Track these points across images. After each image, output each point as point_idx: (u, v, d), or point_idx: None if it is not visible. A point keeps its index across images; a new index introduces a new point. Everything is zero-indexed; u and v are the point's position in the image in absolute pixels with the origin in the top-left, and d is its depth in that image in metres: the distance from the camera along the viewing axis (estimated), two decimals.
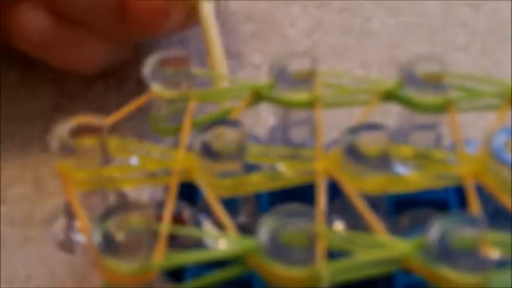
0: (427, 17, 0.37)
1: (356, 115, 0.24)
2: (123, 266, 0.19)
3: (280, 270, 0.19)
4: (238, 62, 0.35)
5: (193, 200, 0.24)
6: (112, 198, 0.24)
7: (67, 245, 0.25)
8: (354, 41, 0.36)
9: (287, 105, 0.24)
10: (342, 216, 0.23)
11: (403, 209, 0.24)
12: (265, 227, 0.19)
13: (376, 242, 0.19)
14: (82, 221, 0.21)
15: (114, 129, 0.23)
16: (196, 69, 0.25)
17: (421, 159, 0.23)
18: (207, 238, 0.23)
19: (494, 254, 0.19)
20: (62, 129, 0.22)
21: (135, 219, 0.19)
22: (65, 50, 0.30)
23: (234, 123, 0.22)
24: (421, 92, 0.24)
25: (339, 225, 0.23)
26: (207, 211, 0.23)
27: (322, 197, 0.21)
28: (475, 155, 0.22)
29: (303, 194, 0.21)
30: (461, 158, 0.22)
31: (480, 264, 0.18)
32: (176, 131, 0.24)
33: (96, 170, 0.23)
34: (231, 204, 0.22)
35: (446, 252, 0.18)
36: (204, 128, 0.22)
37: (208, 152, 0.21)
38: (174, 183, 0.22)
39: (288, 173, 0.22)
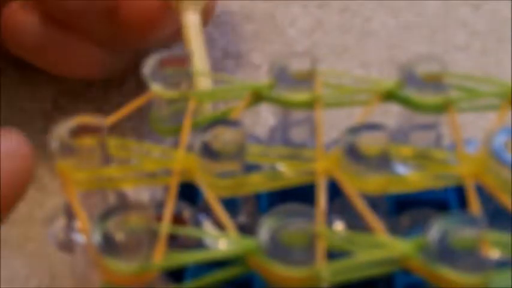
0: (427, 17, 0.37)
1: (356, 115, 0.24)
2: (123, 266, 0.19)
3: (280, 270, 0.19)
4: (238, 62, 0.35)
5: (193, 200, 0.24)
6: (112, 198, 0.24)
7: (67, 245, 0.25)
8: (354, 41, 0.36)
9: (287, 105, 0.24)
10: (342, 216, 0.23)
11: (403, 209, 0.24)
12: (265, 227, 0.19)
13: (376, 242, 0.19)
14: (82, 221, 0.21)
15: (114, 129, 0.23)
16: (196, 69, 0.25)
17: (421, 159, 0.23)
18: (207, 238, 0.23)
19: (494, 254, 0.19)
20: (62, 129, 0.22)
21: (135, 219, 0.19)
22: (57, 54, 0.30)
23: (234, 123, 0.22)
24: (421, 92, 0.24)
25: (339, 225, 0.23)
26: (207, 211, 0.23)
27: (322, 197, 0.21)
28: (475, 155, 0.22)
29: (303, 194, 0.21)
30: (461, 158, 0.22)
31: (480, 264, 0.18)
32: (176, 131, 0.24)
33: (96, 170, 0.23)
34: (231, 204, 0.22)
35: (446, 252, 0.18)
36: (204, 128, 0.22)
37: (208, 152, 0.21)
38: (174, 183, 0.22)
39: (288, 173, 0.22)
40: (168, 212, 0.21)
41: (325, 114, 0.24)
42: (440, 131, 0.25)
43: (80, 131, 0.22)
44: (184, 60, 0.25)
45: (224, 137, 0.22)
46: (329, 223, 0.22)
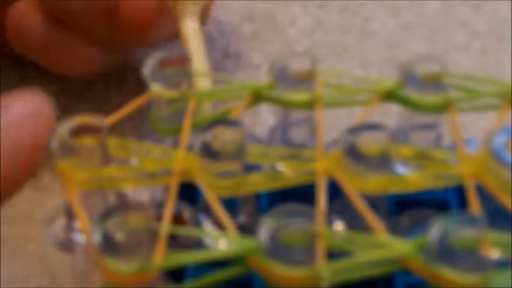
0: (427, 17, 0.37)
1: (356, 115, 0.24)
2: (123, 266, 0.19)
3: (280, 270, 0.19)
4: (238, 62, 0.35)
5: (193, 200, 0.24)
6: (112, 198, 0.24)
7: (67, 245, 0.25)
8: (354, 41, 0.36)
9: (287, 105, 0.24)
10: (342, 216, 0.23)
11: (403, 209, 0.24)
12: (265, 227, 0.19)
13: (376, 242, 0.19)
14: (82, 221, 0.21)
15: (114, 129, 0.23)
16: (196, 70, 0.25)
17: (421, 159, 0.23)
18: (207, 238, 0.23)
19: (494, 254, 0.19)
20: (62, 129, 0.22)
21: (135, 219, 0.19)
22: (59, 53, 0.31)
23: (234, 123, 0.22)
24: (421, 92, 0.24)
25: (339, 225, 0.23)
26: (207, 211, 0.23)
27: (322, 197, 0.21)
28: (475, 155, 0.22)
29: (303, 194, 0.21)
30: (461, 158, 0.22)
31: (480, 264, 0.18)
32: (176, 131, 0.24)
33: (96, 170, 0.23)
34: (231, 204, 0.22)
35: (446, 252, 0.18)
36: (204, 128, 0.22)
37: (208, 152, 0.21)
38: (174, 183, 0.22)
39: (288, 173, 0.22)
40: (168, 212, 0.21)
41: (325, 114, 0.24)
42: (440, 131, 0.25)
43: (80, 131, 0.22)
44: (184, 60, 0.25)
45: (224, 137, 0.22)
46: (329, 223, 0.22)
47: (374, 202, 0.21)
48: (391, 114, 0.25)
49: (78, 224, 0.22)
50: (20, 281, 0.28)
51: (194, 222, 0.24)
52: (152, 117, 0.25)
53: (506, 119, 0.23)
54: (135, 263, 0.19)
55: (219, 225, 0.21)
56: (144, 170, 0.23)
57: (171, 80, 0.24)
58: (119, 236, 0.19)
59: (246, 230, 0.21)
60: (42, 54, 0.31)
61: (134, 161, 0.23)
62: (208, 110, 0.26)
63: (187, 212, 0.24)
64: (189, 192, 0.23)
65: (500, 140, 0.21)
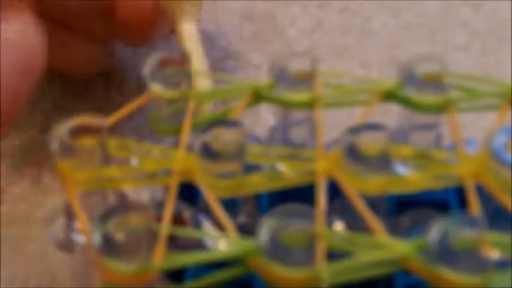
0: (427, 17, 0.37)
1: (356, 115, 0.24)
2: (123, 267, 0.19)
3: (280, 271, 0.19)
4: (238, 62, 0.35)
5: (193, 200, 0.24)
6: (112, 199, 0.24)
7: (67, 245, 0.25)
8: (354, 41, 0.36)
9: (287, 105, 0.24)
10: (342, 216, 0.23)
11: (403, 209, 0.24)
12: (265, 228, 0.19)
13: (376, 243, 0.19)
14: (82, 222, 0.21)
15: (114, 129, 0.23)
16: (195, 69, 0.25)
17: (421, 159, 0.23)
18: (207, 239, 0.23)
19: (494, 254, 0.19)
20: (62, 129, 0.22)
21: (134, 219, 0.19)
22: (57, 53, 0.31)
23: (234, 124, 0.22)
24: (421, 92, 0.24)
25: (338, 226, 0.23)
26: (207, 211, 0.23)
27: (322, 198, 0.21)
28: (475, 155, 0.22)
29: (303, 194, 0.21)
30: (461, 158, 0.22)
31: (480, 265, 0.18)
32: (176, 131, 0.24)
33: (96, 170, 0.23)
34: (231, 205, 0.22)
35: (446, 253, 0.18)
36: (204, 129, 0.22)
37: (208, 153, 0.21)
38: (174, 183, 0.22)
39: (288, 173, 0.22)
40: (168, 213, 0.21)
41: (325, 114, 0.24)
42: (440, 131, 0.25)
43: (80, 131, 0.22)
44: (184, 61, 0.25)
45: (224, 137, 0.22)
46: (329, 223, 0.22)
47: (374, 202, 0.21)
48: (391, 114, 0.25)
49: (78, 224, 0.22)
50: (20, 281, 0.28)
51: (194, 223, 0.24)
52: (152, 117, 0.25)
53: (506, 119, 0.23)
54: (135, 264, 0.19)
55: (219, 226, 0.21)
56: (144, 170, 0.23)
57: (170, 80, 0.24)
58: (119, 237, 0.19)
59: (246, 230, 0.21)
60: None
61: (134, 161, 0.23)
62: (209, 110, 0.26)
63: (187, 213, 0.24)
64: (189, 193, 0.23)
65: (500, 140, 0.21)
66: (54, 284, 0.28)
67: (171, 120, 0.25)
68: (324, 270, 0.19)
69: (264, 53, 0.35)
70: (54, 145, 0.22)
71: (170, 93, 0.24)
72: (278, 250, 0.19)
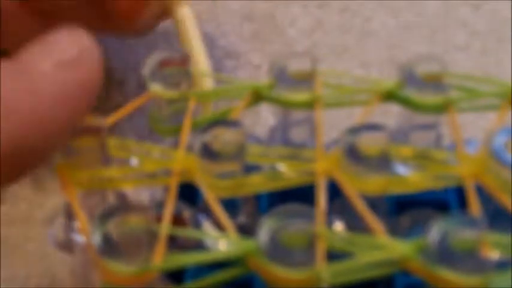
0: (427, 17, 0.37)
1: (356, 115, 0.24)
2: (123, 267, 0.19)
3: (280, 271, 0.19)
4: (238, 62, 0.35)
5: (193, 200, 0.24)
6: (112, 199, 0.24)
7: (67, 245, 0.25)
8: (354, 41, 0.36)
9: (287, 105, 0.24)
10: (342, 216, 0.23)
11: (403, 209, 0.24)
12: (265, 228, 0.19)
13: (376, 244, 0.19)
14: (81, 222, 0.21)
15: (114, 129, 0.23)
16: (195, 69, 0.25)
17: (421, 159, 0.23)
18: (207, 239, 0.23)
19: (494, 255, 0.19)
20: None
21: (134, 220, 0.19)
22: None
23: (233, 124, 0.22)
24: (421, 92, 0.24)
25: (338, 226, 0.23)
26: (207, 212, 0.23)
27: (322, 198, 0.21)
28: (475, 156, 0.22)
29: (303, 194, 0.21)
30: (461, 159, 0.22)
31: (480, 265, 0.18)
32: (176, 131, 0.24)
33: (96, 170, 0.23)
34: (231, 205, 0.22)
35: (446, 254, 0.18)
36: (204, 129, 0.22)
37: (208, 153, 0.21)
38: (174, 183, 0.22)
39: (288, 173, 0.22)
40: (167, 213, 0.21)
41: (325, 114, 0.24)
42: (440, 131, 0.25)
43: (80, 131, 0.22)
44: (184, 61, 0.25)
45: (224, 137, 0.22)
46: (329, 224, 0.22)
47: (374, 203, 0.21)
48: (391, 115, 0.25)
49: (78, 224, 0.22)
50: (20, 281, 0.28)
51: (194, 223, 0.24)
52: (152, 117, 0.25)
53: (506, 119, 0.23)
54: (134, 264, 0.19)
55: (219, 226, 0.21)
56: (144, 170, 0.23)
57: (170, 80, 0.24)
58: (119, 237, 0.19)
59: (246, 230, 0.21)
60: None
61: (134, 162, 0.23)
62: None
63: (187, 213, 0.24)
64: (189, 193, 0.23)
65: (500, 140, 0.21)
66: (54, 284, 0.28)
67: (171, 120, 0.25)
68: (324, 270, 0.19)
69: (264, 53, 0.35)
70: None
71: (170, 93, 0.24)
72: (278, 250, 0.19)
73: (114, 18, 0.30)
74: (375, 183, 0.21)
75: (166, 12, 0.31)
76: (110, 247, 0.19)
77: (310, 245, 0.19)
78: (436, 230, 0.19)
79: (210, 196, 0.21)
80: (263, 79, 0.25)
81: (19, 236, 0.29)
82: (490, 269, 0.18)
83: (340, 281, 0.19)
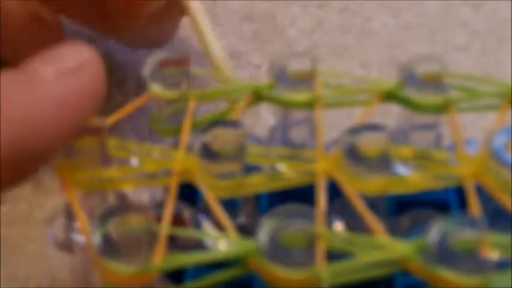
0: (427, 17, 0.37)
1: (356, 115, 0.24)
2: (123, 267, 0.19)
3: (280, 271, 0.19)
4: (238, 62, 0.35)
5: (193, 200, 0.24)
6: (112, 199, 0.24)
7: (67, 245, 0.25)
8: (354, 41, 0.36)
9: (287, 106, 0.24)
10: (342, 217, 0.23)
11: (403, 209, 0.24)
12: (265, 228, 0.19)
13: (376, 244, 0.19)
14: (81, 222, 0.21)
15: (114, 129, 0.23)
16: (195, 69, 0.25)
17: (421, 159, 0.23)
18: (207, 239, 0.23)
19: (494, 255, 0.19)
20: None
21: (134, 220, 0.19)
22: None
23: (233, 124, 0.22)
24: (421, 92, 0.24)
25: (338, 226, 0.23)
26: (207, 212, 0.23)
27: (322, 198, 0.21)
28: (475, 156, 0.22)
29: (303, 194, 0.21)
30: (461, 159, 0.22)
31: (480, 265, 0.18)
32: (176, 131, 0.24)
33: (96, 170, 0.23)
34: (231, 205, 0.22)
35: (446, 254, 0.18)
36: (204, 129, 0.22)
37: (208, 153, 0.21)
38: (173, 183, 0.22)
39: (288, 173, 0.22)
40: (167, 213, 0.21)
41: (325, 114, 0.24)
42: (440, 131, 0.25)
43: (80, 131, 0.22)
44: (184, 61, 0.25)
45: (224, 137, 0.22)
46: (329, 224, 0.22)
47: (374, 203, 0.21)
48: (391, 115, 0.25)
49: (78, 224, 0.22)
50: (20, 281, 0.28)
51: (194, 223, 0.24)
52: (152, 117, 0.25)
53: (506, 119, 0.23)
54: (134, 264, 0.19)
55: (219, 226, 0.21)
56: (144, 170, 0.23)
57: (170, 80, 0.24)
58: (119, 237, 0.19)
59: (246, 230, 0.21)
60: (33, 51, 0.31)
61: (134, 162, 0.23)
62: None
63: (187, 213, 0.24)
64: (188, 193, 0.23)
65: (500, 140, 0.21)
66: (54, 284, 0.28)
67: (171, 120, 0.25)
68: (324, 270, 0.19)
69: (264, 53, 0.35)
70: None
71: (170, 93, 0.24)
72: (278, 250, 0.19)
73: (114, 18, 0.30)
74: (375, 184, 0.21)
75: (170, 12, 0.31)
76: (110, 247, 0.19)
77: (310, 245, 0.19)
78: (436, 230, 0.19)
79: (210, 196, 0.21)
80: (263, 79, 0.25)
81: (19, 236, 0.29)
82: (489, 269, 0.18)
83: (340, 281, 0.19)
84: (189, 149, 0.23)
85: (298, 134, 0.26)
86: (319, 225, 0.20)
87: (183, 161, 0.22)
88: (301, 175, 0.22)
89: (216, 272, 0.20)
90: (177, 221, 0.22)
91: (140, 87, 0.24)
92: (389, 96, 0.24)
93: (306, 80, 0.24)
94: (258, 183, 0.22)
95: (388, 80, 0.24)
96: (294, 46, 0.36)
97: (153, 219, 0.20)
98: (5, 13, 0.29)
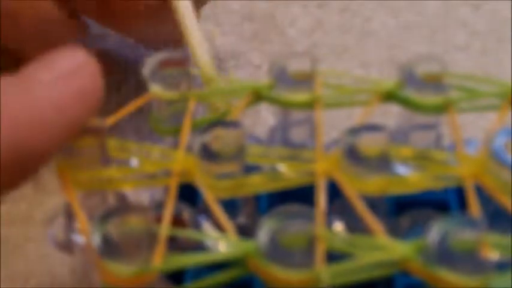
0: (427, 17, 0.37)
1: (356, 115, 0.24)
2: (123, 268, 0.19)
3: (280, 272, 0.19)
4: (238, 62, 0.35)
5: (193, 201, 0.24)
6: (111, 200, 0.24)
7: (67, 245, 0.25)
8: (354, 41, 0.36)
9: (287, 106, 0.24)
10: (342, 217, 0.23)
11: (403, 210, 0.24)
12: (265, 229, 0.19)
13: (376, 244, 0.19)
14: (81, 222, 0.21)
15: (114, 129, 0.23)
16: (195, 70, 0.25)
17: (421, 159, 0.23)
18: (207, 240, 0.23)
19: (494, 256, 0.19)
20: None
21: (134, 220, 0.19)
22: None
23: (233, 124, 0.22)
24: (421, 92, 0.24)
25: (338, 227, 0.23)
26: (207, 212, 0.23)
27: (322, 198, 0.21)
28: (475, 156, 0.22)
29: (302, 195, 0.21)
30: (461, 159, 0.22)
31: (480, 266, 0.18)
32: (176, 131, 0.24)
33: (96, 170, 0.23)
34: (231, 206, 0.22)
35: (446, 255, 0.18)
36: (204, 129, 0.22)
37: (208, 154, 0.21)
38: (173, 184, 0.22)
39: (287, 174, 0.22)
40: (167, 213, 0.21)
41: (325, 114, 0.24)
42: (440, 131, 0.25)
43: (79, 132, 0.22)
44: (183, 61, 0.25)
45: (224, 138, 0.22)
46: (329, 224, 0.22)
47: (374, 203, 0.21)
48: (391, 115, 0.25)
49: (78, 224, 0.22)
50: (20, 281, 0.28)
51: (194, 224, 0.24)
52: (152, 118, 0.25)
53: (506, 119, 0.23)
54: (134, 265, 0.19)
55: (219, 227, 0.21)
56: (143, 171, 0.23)
57: (170, 81, 0.24)
58: (119, 238, 0.19)
59: (246, 231, 0.21)
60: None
61: (134, 162, 0.23)
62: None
63: (186, 213, 0.24)
64: (188, 194, 0.23)
65: (500, 140, 0.21)
66: (54, 284, 0.28)
67: (171, 121, 0.25)
68: (324, 271, 0.19)
69: (264, 53, 0.35)
70: None
71: (170, 93, 0.24)
72: (278, 251, 0.19)
73: (118, 16, 0.30)
74: (375, 184, 0.21)
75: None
76: (110, 248, 0.19)
77: (309, 245, 0.19)
78: (436, 231, 0.19)
79: (210, 197, 0.21)
80: (263, 79, 0.25)
81: (19, 236, 0.29)
82: (489, 269, 0.18)
83: (340, 281, 0.19)
84: (189, 149, 0.23)
85: (298, 134, 0.26)
86: (319, 226, 0.20)
87: (182, 161, 0.22)
88: (301, 175, 0.22)
89: (216, 273, 0.20)
90: (177, 221, 0.22)
91: (140, 87, 0.24)
92: (389, 97, 0.24)
93: (305, 80, 0.24)
94: (257, 184, 0.22)
95: (388, 80, 0.24)
96: (294, 46, 0.36)
97: (153, 219, 0.20)
98: (14, 13, 0.30)
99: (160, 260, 0.19)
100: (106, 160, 0.23)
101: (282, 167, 0.23)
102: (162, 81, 0.24)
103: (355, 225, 0.21)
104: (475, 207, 0.21)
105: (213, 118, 0.24)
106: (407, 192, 0.22)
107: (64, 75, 0.20)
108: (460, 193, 0.23)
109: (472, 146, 0.24)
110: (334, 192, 0.22)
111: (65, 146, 0.22)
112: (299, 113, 0.25)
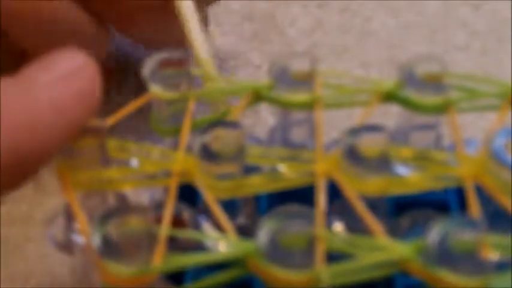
0: (427, 17, 0.37)
1: (356, 116, 0.24)
2: (123, 269, 0.19)
3: (280, 273, 0.19)
4: (238, 62, 0.35)
5: (193, 201, 0.24)
6: (111, 200, 0.24)
7: (67, 246, 0.25)
8: (354, 41, 0.36)
9: (287, 106, 0.24)
10: (342, 217, 0.23)
11: (403, 210, 0.24)
12: (265, 229, 0.19)
13: (376, 245, 0.19)
14: (81, 223, 0.21)
15: (114, 129, 0.23)
16: (195, 70, 0.25)
17: (421, 160, 0.23)
18: (206, 240, 0.23)
19: (494, 256, 0.19)
20: None
21: (134, 221, 0.19)
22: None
23: (233, 125, 0.22)
24: (421, 92, 0.24)
25: (338, 227, 0.23)
26: (207, 213, 0.23)
27: (322, 199, 0.21)
28: (475, 156, 0.22)
29: (302, 195, 0.21)
30: (461, 159, 0.22)
31: (480, 266, 0.18)
32: (176, 131, 0.24)
33: (96, 171, 0.23)
34: (231, 206, 0.22)
35: (446, 255, 0.18)
36: (204, 129, 0.22)
37: (208, 154, 0.21)
38: (173, 184, 0.22)
39: (287, 174, 0.22)
40: (167, 214, 0.21)
41: (325, 114, 0.24)
42: (440, 131, 0.25)
43: (79, 133, 0.22)
44: (183, 61, 0.25)
45: (224, 138, 0.22)
46: (329, 225, 0.22)
47: (374, 204, 0.21)
48: (391, 115, 0.25)
49: (78, 225, 0.22)
50: (20, 281, 0.28)
51: (194, 224, 0.24)
52: (152, 118, 0.25)
53: (506, 120, 0.23)
54: (134, 265, 0.19)
55: (219, 227, 0.21)
56: (143, 171, 0.23)
57: (170, 81, 0.24)
58: (119, 238, 0.19)
59: (246, 231, 0.21)
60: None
61: (134, 163, 0.23)
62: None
63: (186, 214, 0.24)
64: (188, 194, 0.23)
65: (500, 141, 0.21)
66: (54, 284, 0.28)
67: (171, 121, 0.25)
68: (324, 272, 0.19)
69: (264, 53, 0.35)
70: None
71: (170, 94, 0.24)
72: (277, 252, 0.19)
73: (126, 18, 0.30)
74: (375, 184, 0.21)
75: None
76: (110, 248, 0.19)
77: (309, 246, 0.19)
78: (436, 231, 0.19)
79: (210, 197, 0.21)
80: (263, 79, 0.25)
81: (19, 236, 0.29)
82: (489, 270, 0.18)
83: (340, 282, 0.19)
84: (189, 149, 0.23)
85: (298, 135, 0.26)
86: (318, 227, 0.20)
87: (182, 161, 0.22)
88: (301, 176, 0.22)
89: (216, 273, 0.20)
90: (177, 222, 0.22)
91: (140, 87, 0.24)
92: (389, 97, 0.24)
93: (305, 80, 0.24)
94: (257, 184, 0.22)
95: (388, 80, 0.24)
96: (294, 46, 0.36)
97: (152, 220, 0.20)
98: (15, 12, 0.30)
99: (160, 260, 0.19)
100: (106, 160, 0.23)
101: (282, 168, 0.23)
102: (162, 81, 0.24)
103: (355, 225, 0.21)
104: (475, 208, 0.21)
105: (213, 118, 0.24)
106: (407, 192, 0.22)
107: (64, 77, 0.20)
108: (460, 193, 0.23)
109: (472, 146, 0.24)
110: (334, 192, 0.22)
111: (65, 147, 0.22)
112: (299, 113, 0.25)
